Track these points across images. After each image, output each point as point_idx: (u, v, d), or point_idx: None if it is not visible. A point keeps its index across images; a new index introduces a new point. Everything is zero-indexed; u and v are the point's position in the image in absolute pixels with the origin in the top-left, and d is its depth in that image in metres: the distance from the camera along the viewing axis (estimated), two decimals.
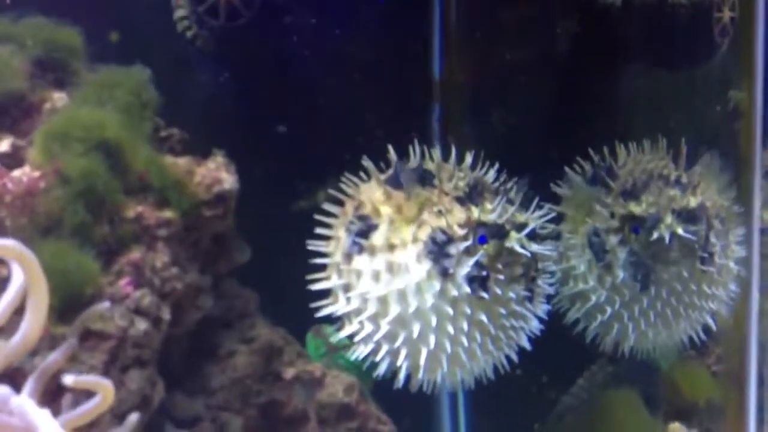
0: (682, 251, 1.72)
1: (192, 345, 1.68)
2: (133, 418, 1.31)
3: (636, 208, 1.76)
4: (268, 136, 1.92)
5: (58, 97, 1.62)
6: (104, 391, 1.19)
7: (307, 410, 1.74)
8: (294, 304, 1.72)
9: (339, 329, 1.68)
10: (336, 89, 2.05)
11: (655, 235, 1.70)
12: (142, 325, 1.45)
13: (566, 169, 1.93)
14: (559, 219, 1.87)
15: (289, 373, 1.74)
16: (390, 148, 1.66)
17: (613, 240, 1.78)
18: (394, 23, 2.05)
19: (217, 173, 1.64)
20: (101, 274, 1.44)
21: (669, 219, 1.71)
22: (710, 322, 1.82)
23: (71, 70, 1.68)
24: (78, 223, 1.41)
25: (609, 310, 1.79)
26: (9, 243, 1.12)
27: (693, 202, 1.73)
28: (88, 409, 1.23)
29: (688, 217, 1.71)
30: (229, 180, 1.65)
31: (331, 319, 1.90)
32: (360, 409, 1.76)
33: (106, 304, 1.35)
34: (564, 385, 2.11)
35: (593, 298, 1.79)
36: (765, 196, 1.71)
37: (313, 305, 1.74)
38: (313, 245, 1.65)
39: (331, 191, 1.69)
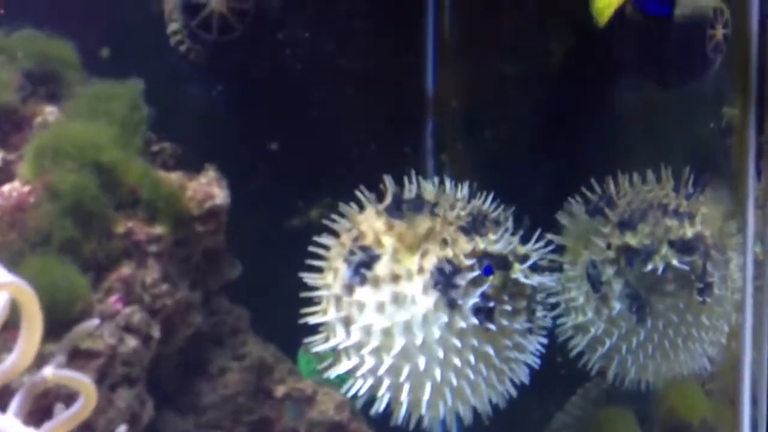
0: (678, 282, 1.71)
1: (182, 362, 1.66)
2: (122, 430, 1.30)
3: (632, 239, 1.75)
4: (261, 151, 1.91)
5: (50, 111, 1.61)
6: (85, 389, 1.17)
7: (298, 428, 1.72)
8: (285, 321, 1.71)
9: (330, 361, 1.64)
10: (329, 104, 2.05)
11: (650, 266, 1.70)
12: (131, 342, 1.43)
13: (568, 199, 1.92)
14: (559, 250, 1.86)
15: (280, 390, 1.73)
16: (387, 178, 1.64)
17: (609, 271, 1.77)
18: (388, 38, 2.05)
19: (208, 188, 1.63)
20: (91, 290, 1.43)
21: (664, 250, 1.70)
22: (712, 353, 1.81)
23: (63, 83, 1.67)
24: (67, 239, 1.40)
25: (608, 341, 1.78)
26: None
27: (690, 232, 1.72)
28: (73, 413, 1.21)
29: (683, 247, 1.70)
30: (220, 195, 1.63)
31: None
32: (351, 428, 1.75)
33: (95, 322, 1.33)
34: (558, 402, 2.10)
35: (592, 329, 1.78)
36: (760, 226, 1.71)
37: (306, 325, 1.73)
38: (307, 278, 1.62)
39: (324, 215, 1.66)
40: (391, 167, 2.12)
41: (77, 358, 1.36)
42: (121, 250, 1.48)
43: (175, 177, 1.63)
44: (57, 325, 1.33)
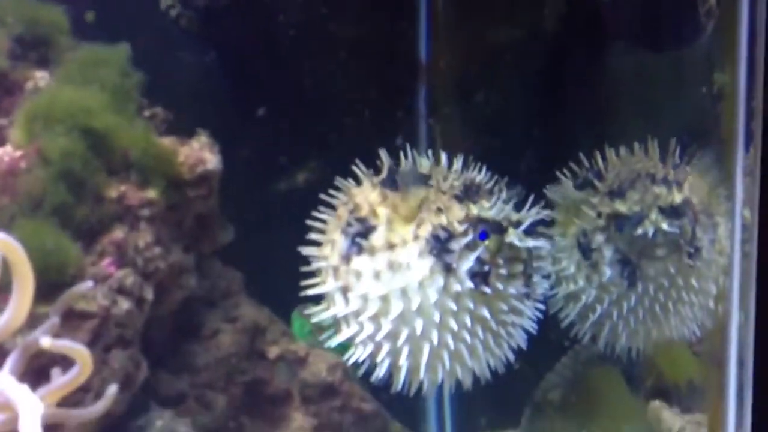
0: (668, 247, 1.73)
1: (176, 324, 1.69)
2: (112, 390, 1.32)
3: (621, 206, 1.76)
4: (253, 117, 1.92)
5: (41, 76, 1.61)
6: (81, 357, 1.20)
7: (291, 389, 1.75)
8: (278, 284, 1.73)
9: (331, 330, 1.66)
10: (322, 70, 2.05)
11: (640, 230, 1.71)
12: (124, 304, 1.46)
13: (559, 165, 1.93)
14: (549, 223, 1.88)
15: (273, 352, 1.75)
16: (382, 152, 1.65)
17: (599, 238, 1.79)
18: (381, 4, 2.05)
19: (200, 153, 1.64)
20: (84, 254, 1.45)
21: (654, 215, 1.72)
22: (702, 316, 1.83)
23: (54, 48, 1.67)
24: (59, 204, 1.41)
25: (599, 308, 1.80)
26: None
27: (678, 198, 1.74)
28: (69, 379, 1.24)
29: (672, 212, 1.72)
30: (212, 160, 1.65)
31: (316, 299, 1.91)
32: (343, 388, 1.78)
33: (88, 284, 1.35)
34: (549, 364, 2.12)
35: (583, 297, 1.80)
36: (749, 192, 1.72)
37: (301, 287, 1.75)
38: (305, 250, 1.64)
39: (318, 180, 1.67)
40: (384, 133, 2.14)
41: (71, 319, 1.38)
42: (113, 214, 1.50)
43: (167, 142, 1.64)
44: (50, 288, 1.36)
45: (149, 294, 1.51)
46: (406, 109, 2.15)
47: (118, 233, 1.48)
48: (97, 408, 1.32)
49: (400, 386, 1.62)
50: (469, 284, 1.47)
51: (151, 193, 1.54)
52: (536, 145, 2.18)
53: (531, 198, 1.63)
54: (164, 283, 1.57)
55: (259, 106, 1.93)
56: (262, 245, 1.80)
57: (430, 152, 1.73)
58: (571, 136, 2.09)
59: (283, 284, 1.76)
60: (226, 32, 1.88)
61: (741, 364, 1.63)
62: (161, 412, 1.56)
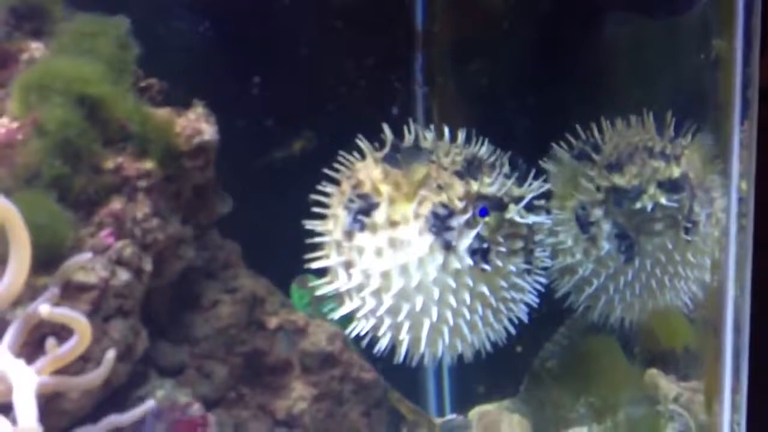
0: (666, 221, 1.74)
1: (175, 295, 1.69)
2: (111, 354, 1.33)
3: (619, 180, 1.77)
4: (248, 86, 1.91)
5: (36, 47, 1.59)
6: (80, 327, 1.20)
7: (291, 359, 1.76)
8: (277, 255, 1.73)
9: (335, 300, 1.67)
10: (318, 38, 2.04)
11: (638, 205, 1.72)
12: (124, 275, 1.46)
13: (553, 145, 1.93)
14: (547, 195, 1.88)
15: (272, 322, 1.76)
16: (385, 127, 1.65)
17: (597, 212, 1.79)
18: None
19: (197, 124, 1.63)
20: (82, 225, 1.45)
21: (652, 189, 1.72)
22: (697, 290, 1.84)
23: (49, 19, 1.65)
24: (56, 175, 1.41)
25: (595, 282, 1.81)
26: None
27: (676, 172, 1.74)
28: (68, 348, 1.24)
29: (671, 186, 1.73)
30: (209, 131, 1.64)
31: (315, 271, 1.91)
32: (343, 358, 1.79)
33: (87, 255, 1.36)
34: (548, 334, 2.14)
35: (580, 271, 1.82)
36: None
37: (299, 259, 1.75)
38: (309, 224, 1.65)
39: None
40: (380, 101, 2.13)
41: (70, 290, 1.38)
42: (111, 185, 1.49)
43: (163, 113, 1.63)
44: (48, 259, 1.36)
45: (148, 265, 1.51)
46: (403, 78, 2.14)
47: (116, 204, 1.48)
48: (97, 374, 1.33)
49: (401, 359, 1.64)
50: (469, 261, 1.49)
51: (148, 164, 1.54)
52: (533, 114, 2.18)
53: (532, 172, 1.64)
54: (163, 254, 1.57)
55: (254, 75, 1.92)
56: (260, 216, 1.80)
57: (432, 126, 1.73)
58: (567, 105, 2.09)
59: (282, 255, 1.76)
60: (221, 1, 1.87)
61: (737, 330, 1.64)
62: (162, 381, 1.57)
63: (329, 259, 1.62)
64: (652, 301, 1.83)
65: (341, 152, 1.70)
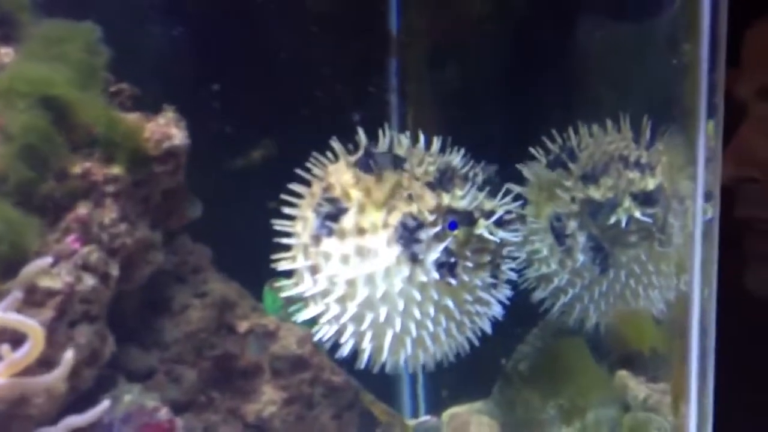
0: (641, 234, 1.75)
1: (145, 300, 1.69)
2: (69, 355, 1.34)
3: (595, 193, 1.78)
4: (216, 92, 1.92)
5: (5, 53, 1.60)
6: (34, 332, 1.20)
7: (261, 362, 1.77)
8: (245, 260, 1.74)
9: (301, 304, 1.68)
10: (292, 42, 2.04)
11: (613, 219, 1.73)
12: (89, 281, 1.46)
13: (531, 140, 1.94)
14: (523, 201, 1.89)
15: (242, 326, 1.76)
16: (360, 131, 1.66)
17: (573, 224, 1.80)
18: None
19: (166, 129, 1.64)
20: (48, 230, 1.45)
21: (627, 202, 1.73)
22: (670, 297, 1.85)
23: (17, 24, 1.66)
24: (22, 180, 1.41)
25: (570, 292, 1.83)
26: None
27: (651, 184, 1.75)
28: (22, 355, 1.25)
29: (645, 199, 1.73)
30: (179, 136, 1.64)
31: (288, 274, 1.92)
32: (314, 361, 1.79)
33: (48, 260, 1.36)
34: (522, 336, 2.15)
35: (555, 280, 1.83)
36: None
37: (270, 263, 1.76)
38: (278, 224, 1.65)
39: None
40: (356, 107, 2.14)
41: (35, 296, 1.38)
42: (77, 190, 1.49)
43: (132, 118, 1.64)
44: (12, 266, 1.36)
45: (115, 270, 1.51)
46: (376, 83, 2.15)
47: (83, 209, 1.48)
48: (55, 375, 1.33)
49: (363, 365, 1.65)
50: (435, 275, 1.49)
51: (116, 169, 1.54)
52: (508, 119, 2.19)
53: (504, 186, 1.64)
54: (131, 259, 1.58)
55: (222, 81, 1.92)
56: (229, 221, 1.81)
57: (408, 133, 1.73)
58: (543, 109, 2.10)
59: (250, 260, 1.77)
60: (194, 5, 1.88)
61: (703, 331, 1.65)
62: (129, 386, 1.57)
63: (296, 261, 1.62)
64: (634, 308, 1.85)
65: (314, 156, 1.70)
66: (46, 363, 1.38)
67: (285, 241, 1.69)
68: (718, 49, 1.65)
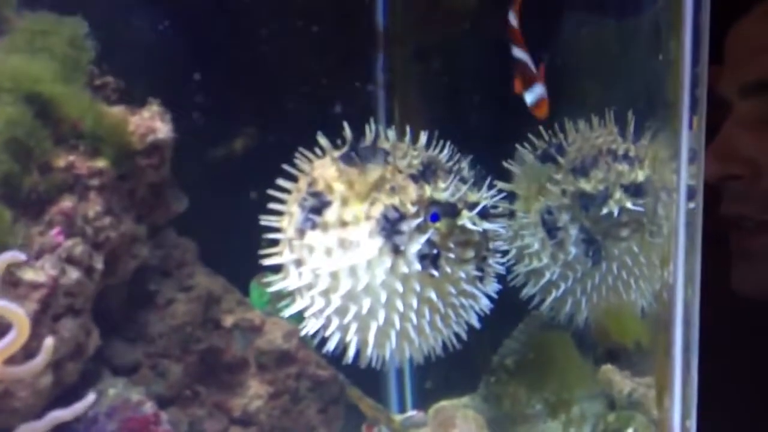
0: (632, 225, 1.75)
1: (130, 294, 1.69)
2: (49, 342, 1.34)
3: (585, 185, 1.78)
4: (199, 84, 1.92)
5: None
6: (18, 319, 1.20)
7: (247, 357, 1.77)
8: (230, 254, 1.74)
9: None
10: (278, 37, 2.04)
11: (605, 210, 1.74)
12: (74, 274, 1.46)
13: (517, 146, 1.95)
14: (511, 197, 1.89)
15: (228, 320, 1.77)
16: (346, 125, 1.66)
17: (564, 217, 1.81)
18: None
19: (151, 122, 1.64)
20: (32, 223, 1.45)
21: (618, 194, 1.74)
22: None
23: (1, 18, 1.65)
24: (5, 173, 1.41)
25: (562, 285, 1.83)
26: None
27: (641, 176, 1.76)
28: (7, 343, 1.24)
29: (636, 191, 1.74)
30: (163, 129, 1.64)
31: (274, 268, 1.92)
32: (299, 355, 1.80)
33: (21, 257, 1.36)
34: (509, 331, 2.16)
35: (547, 274, 1.83)
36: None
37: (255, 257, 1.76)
38: (266, 220, 1.65)
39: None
40: (342, 101, 2.14)
41: (18, 289, 1.38)
42: (62, 183, 1.49)
43: (117, 111, 1.64)
44: None
45: (99, 263, 1.51)
46: (363, 77, 2.15)
47: (67, 203, 1.48)
48: (35, 363, 1.33)
49: (351, 360, 1.65)
50: (417, 266, 1.49)
51: (101, 163, 1.54)
52: (494, 113, 2.19)
53: (488, 177, 1.65)
54: (116, 253, 1.57)
55: (206, 73, 1.92)
56: (213, 214, 1.81)
57: (393, 126, 1.74)
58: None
59: (235, 254, 1.77)
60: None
61: (687, 324, 1.66)
62: (114, 380, 1.57)
63: (281, 256, 1.62)
64: (618, 303, 1.85)
65: (299, 150, 1.70)
66: (29, 355, 1.38)
67: (272, 236, 1.69)
68: (701, 44, 1.66)
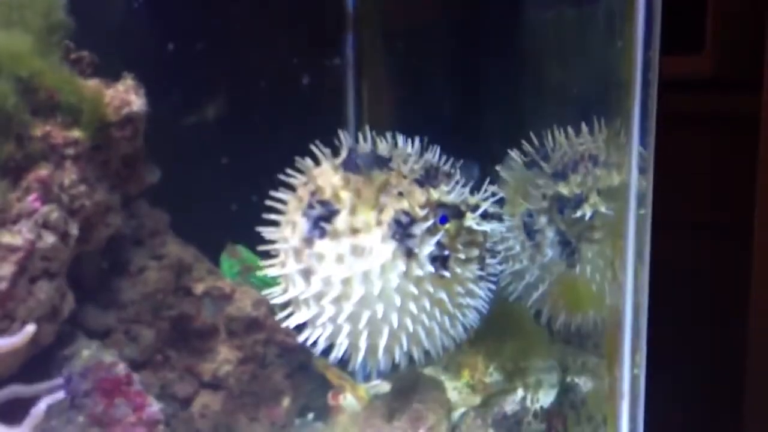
0: (606, 229, 1.81)
1: (103, 261, 1.74)
2: (30, 329, 1.39)
3: (564, 189, 1.84)
4: (178, 61, 1.97)
5: None
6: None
7: (217, 323, 1.83)
8: (202, 223, 1.79)
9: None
10: (247, 16, 2.09)
11: (579, 213, 1.80)
12: (50, 238, 1.51)
13: (508, 152, 2.00)
14: (499, 201, 1.95)
15: (198, 288, 1.82)
16: (342, 133, 1.68)
17: (543, 220, 1.87)
18: None
19: (125, 95, 1.69)
20: (10, 190, 1.50)
21: (593, 198, 1.80)
22: None
23: None
24: None
25: (540, 287, 1.89)
26: None
27: (617, 180, 1.82)
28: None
29: (611, 194, 1.80)
30: (137, 102, 1.69)
31: (244, 241, 1.98)
32: (268, 323, 1.86)
33: None
34: None
35: (527, 276, 1.89)
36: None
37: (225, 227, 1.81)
38: (264, 231, 1.66)
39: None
40: (312, 81, 2.20)
41: None
42: (38, 152, 1.54)
43: (92, 84, 1.68)
44: None
45: (74, 229, 1.56)
46: (331, 58, 2.21)
47: (43, 171, 1.53)
48: (11, 341, 1.38)
49: (357, 365, 1.68)
50: (430, 268, 1.53)
51: (76, 133, 1.59)
52: (461, 96, 2.25)
53: (487, 181, 1.70)
54: (90, 221, 1.63)
55: (175, 44, 1.97)
56: (183, 185, 1.86)
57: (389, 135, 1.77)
58: (494, 92, 2.17)
59: (209, 224, 1.83)
60: None
61: (636, 291, 1.73)
62: (88, 342, 1.63)
63: (286, 267, 1.62)
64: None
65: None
66: (5, 316, 1.43)
67: (272, 246, 1.67)
68: (653, 27, 1.72)
